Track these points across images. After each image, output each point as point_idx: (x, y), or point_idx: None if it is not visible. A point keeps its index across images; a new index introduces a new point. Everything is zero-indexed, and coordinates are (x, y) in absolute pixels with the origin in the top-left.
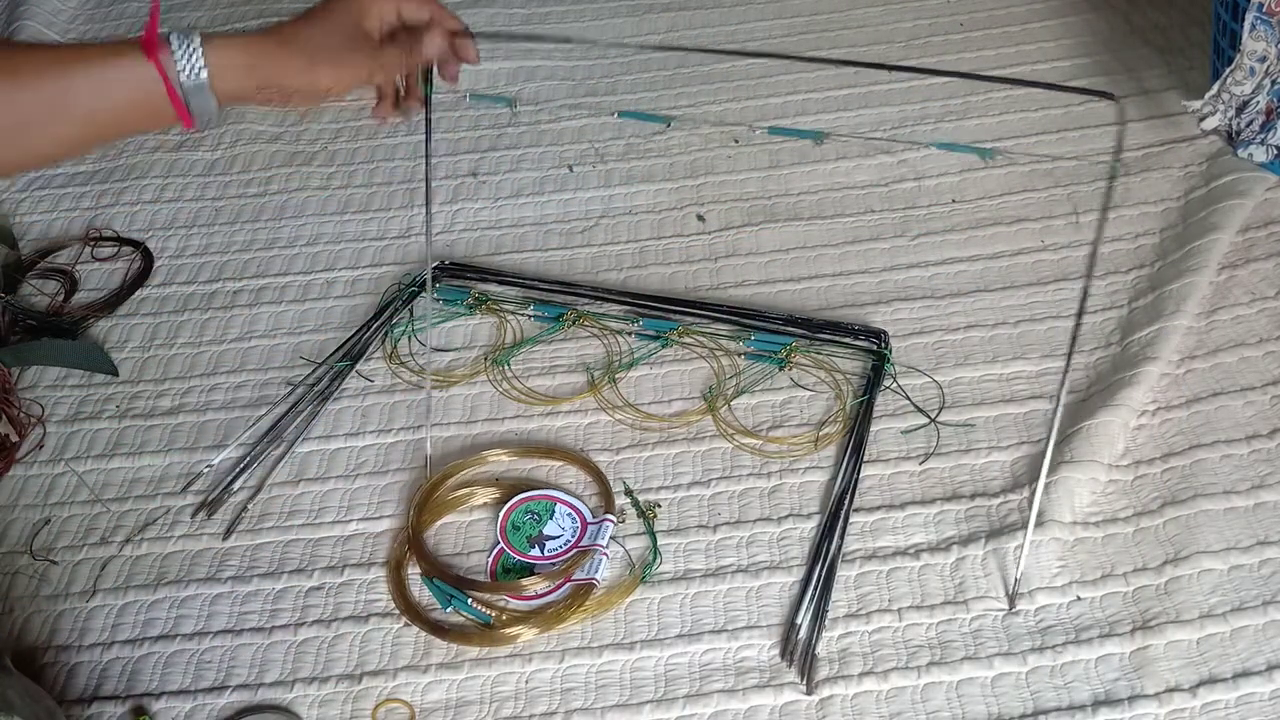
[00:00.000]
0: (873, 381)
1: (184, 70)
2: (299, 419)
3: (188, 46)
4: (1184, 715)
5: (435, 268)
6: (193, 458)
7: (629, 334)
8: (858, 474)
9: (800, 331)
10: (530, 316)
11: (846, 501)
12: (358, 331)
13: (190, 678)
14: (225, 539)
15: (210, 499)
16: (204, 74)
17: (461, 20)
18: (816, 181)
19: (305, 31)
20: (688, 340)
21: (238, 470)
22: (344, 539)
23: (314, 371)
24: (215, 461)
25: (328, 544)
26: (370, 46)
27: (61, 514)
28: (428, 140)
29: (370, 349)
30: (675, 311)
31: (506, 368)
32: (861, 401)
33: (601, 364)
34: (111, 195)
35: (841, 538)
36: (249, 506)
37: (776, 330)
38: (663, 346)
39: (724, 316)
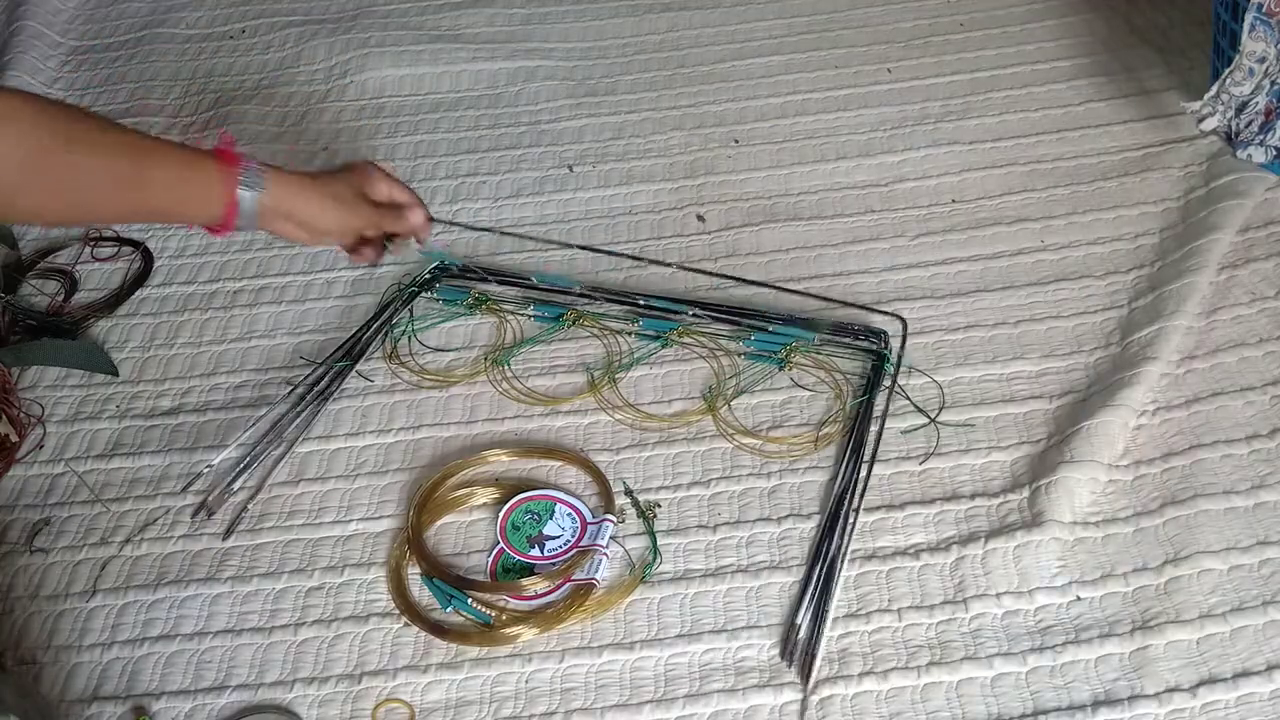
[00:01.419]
0: (872, 381)
1: (247, 193)
2: (299, 419)
3: (255, 175)
4: (1184, 715)
5: (435, 268)
6: (193, 458)
7: (629, 334)
8: (858, 474)
9: (800, 331)
10: (530, 316)
11: (846, 501)
12: (358, 331)
13: (190, 678)
14: (225, 539)
15: (210, 499)
16: (260, 199)
17: (428, 209)
18: (816, 181)
19: (332, 183)
20: (687, 340)
21: (238, 470)
22: (344, 539)
23: (314, 371)
24: (215, 461)
25: (328, 544)
26: (370, 208)
27: (61, 514)
28: None
29: (370, 349)
30: (675, 312)
31: (506, 368)
32: (861, 401)
33: (601, 364)
34: None
35: (841, 538)
36: (249, 506)
37: (776, 330)
38: (662, 346)
39: (724, 317)
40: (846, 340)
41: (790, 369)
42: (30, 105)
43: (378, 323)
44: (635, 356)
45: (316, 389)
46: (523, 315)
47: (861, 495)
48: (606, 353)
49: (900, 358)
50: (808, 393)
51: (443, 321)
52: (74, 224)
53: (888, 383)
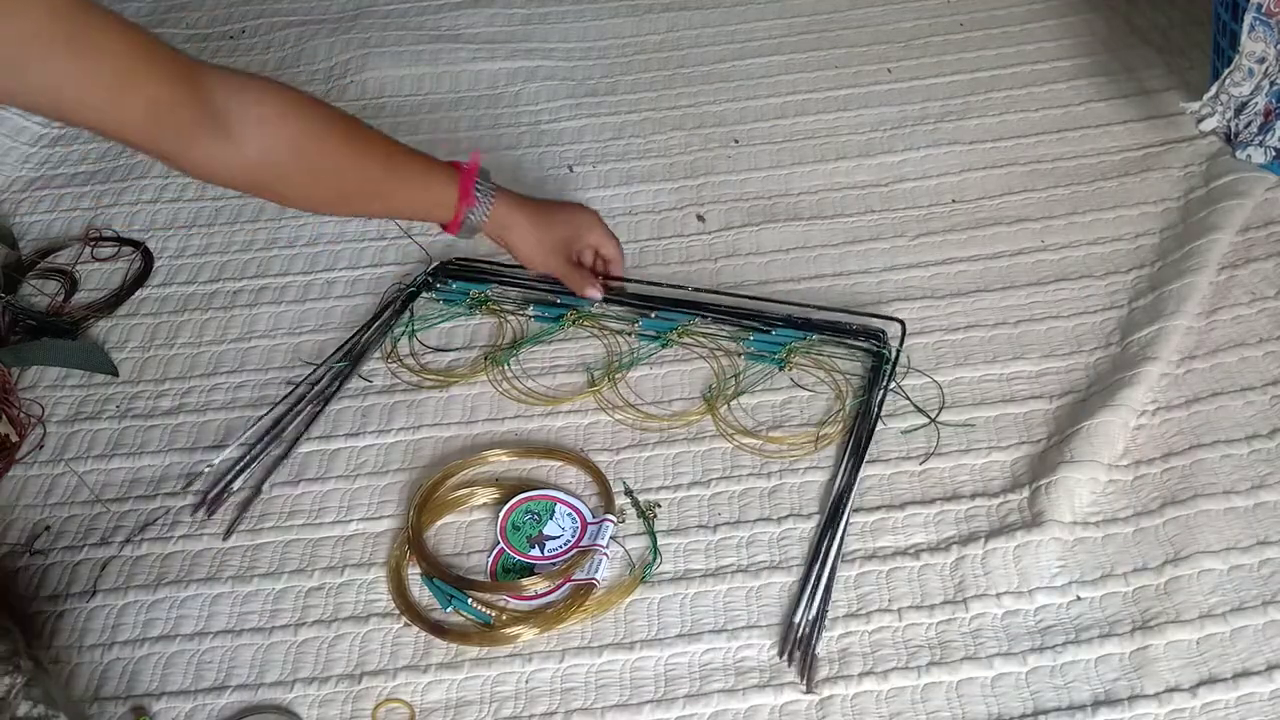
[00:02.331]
0: (871, 381)
1: (476, 211)
2: (299, 419)
3: (487, 196)
4: (1184, 715)
5: (434, 268)
6: (193, 458)
7: (629, 334)
8: (858, 474)
9: (802, 331)
10: (530, 316)
11: (846, 501)
12: (358, 332)
13: (190, 678)
14: (225, 539)
15: (210, 499)
16: (485, 217)
17: (626, 277)
18: (816, 181)
19: (551, 225)
20: (687, 340)
21: (238, 470)
22: (344, 539)
23: (314, 372)
24: (215, 461)
25: (328, 544)
26: (564, 263)
27: (61, 514)
28: None
29: (370, 349)
30: (676, 312)
31: (506, 368)
32: (862, 401)
33: (601, 364)
34: (111, 195)
35: (841, 538)
36: (249, 506)
37: (776, 330)
38: (662, 347)
39: (723, 317)
40: (846, 341)
41: (790, 369)
42: (304, 99)
43: (378, 323)
44: (635, 356)
45: (316, 389)
46: (523, 315)
47: (849, 494)
48: (606, 353)
49: (896, 360)
50: (808, 393)
51: (443, 321)
52: (326, 212)
53: (887, 384)
